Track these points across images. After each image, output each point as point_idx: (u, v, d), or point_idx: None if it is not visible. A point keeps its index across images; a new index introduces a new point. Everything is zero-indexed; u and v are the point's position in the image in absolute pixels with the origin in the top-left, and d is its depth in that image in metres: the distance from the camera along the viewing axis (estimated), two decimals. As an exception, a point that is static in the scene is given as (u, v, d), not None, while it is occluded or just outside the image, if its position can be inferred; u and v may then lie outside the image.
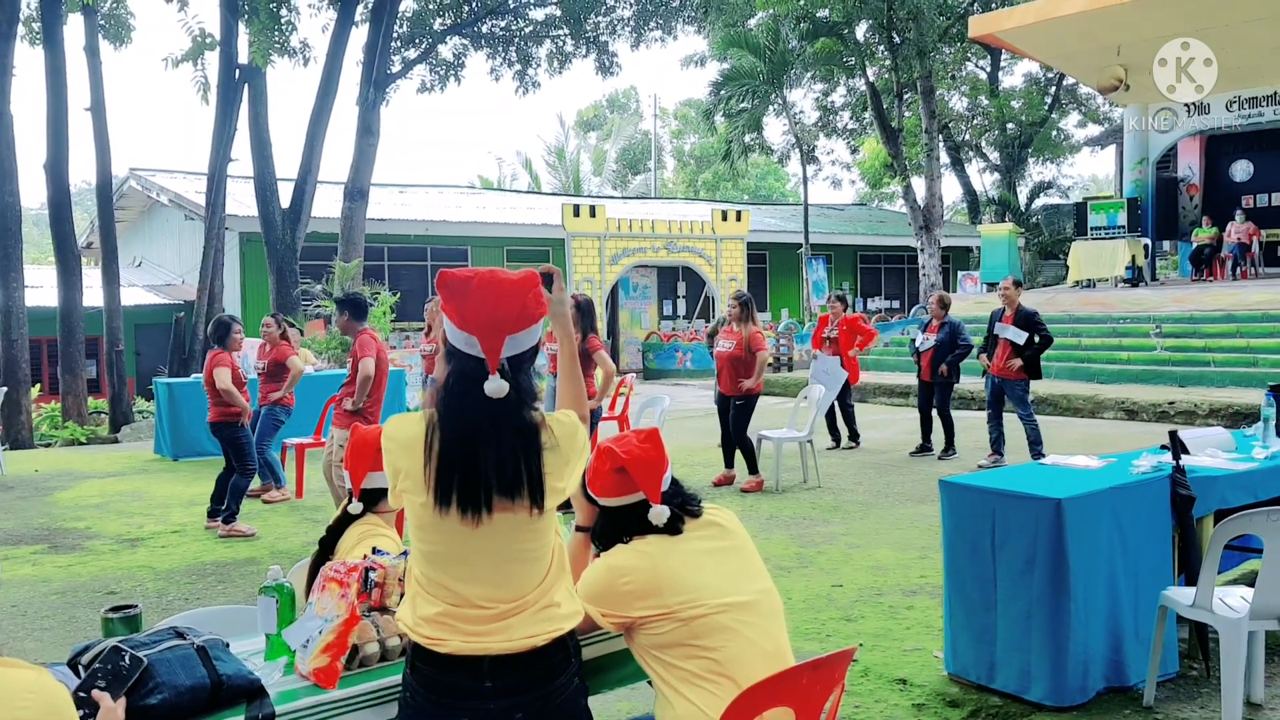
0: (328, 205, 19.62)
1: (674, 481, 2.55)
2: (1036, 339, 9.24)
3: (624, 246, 21.46)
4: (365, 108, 18.54)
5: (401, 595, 2.60)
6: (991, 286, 22.04)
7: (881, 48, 26.79)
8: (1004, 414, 9.71)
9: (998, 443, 9.65)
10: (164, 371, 17.20)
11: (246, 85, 16.94)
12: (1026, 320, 9.28)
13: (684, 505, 2.52)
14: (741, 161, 27.93)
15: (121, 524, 8.22)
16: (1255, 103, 19.59)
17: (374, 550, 2.75)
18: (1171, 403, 12.79)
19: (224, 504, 7.84)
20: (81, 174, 49.86)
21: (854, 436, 11.25)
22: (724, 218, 23.28)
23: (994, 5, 27.50)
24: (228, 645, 2.33)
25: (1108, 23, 16.70)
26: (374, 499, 3.08)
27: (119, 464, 11.74)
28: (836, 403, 11.11)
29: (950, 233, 29.85)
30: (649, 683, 2.67)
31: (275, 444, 9.12)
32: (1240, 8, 15.55)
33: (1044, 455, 6.84)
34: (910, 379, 11.23)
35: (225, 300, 18.13)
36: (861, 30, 26.77)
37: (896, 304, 31.21)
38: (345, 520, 3.07)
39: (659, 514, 2.44)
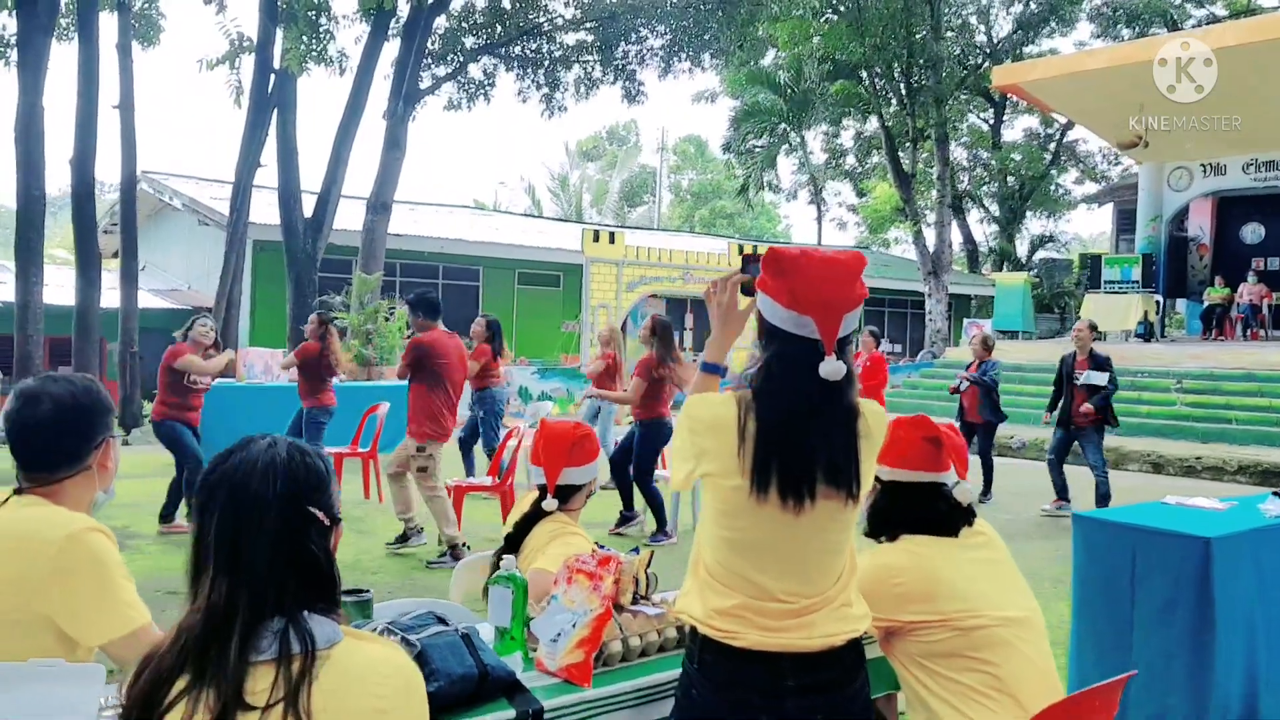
0: (345, 218, 19.47)
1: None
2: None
3: (641, 274, 21.41)
4: (393, 122, 18.47)
5: (635, 594, 2.49)
6: (1004, 334, 22.11)
7: (898, 92, 27.03)
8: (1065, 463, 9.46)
9: (1063, 490, 9.40)
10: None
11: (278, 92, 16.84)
12: (1101, 365, 9.15)
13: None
14: (757, 197, 28.07)
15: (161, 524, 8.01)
16: (1271, 166, 19.82)
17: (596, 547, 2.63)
18: (1199, 458, 12.78)
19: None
20: (98, 171, 49.45)
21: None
22: (740, 251, 23.29)
23: (1005, 58, 27.91)
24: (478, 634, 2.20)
25: (1131, 80, 16.86)
26: (567, 495, 2.96)
27: (140, 466, 11.47)
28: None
29: (952, 280, 29.99)
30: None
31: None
32: (1264, 72, 15.78)
33: None
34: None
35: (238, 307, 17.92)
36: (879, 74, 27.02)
37: (899, 348, 31.29)
38: (535, 516, 2.94)
39: (964, 491, 2.34)
